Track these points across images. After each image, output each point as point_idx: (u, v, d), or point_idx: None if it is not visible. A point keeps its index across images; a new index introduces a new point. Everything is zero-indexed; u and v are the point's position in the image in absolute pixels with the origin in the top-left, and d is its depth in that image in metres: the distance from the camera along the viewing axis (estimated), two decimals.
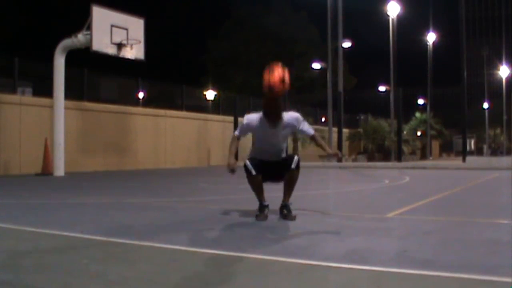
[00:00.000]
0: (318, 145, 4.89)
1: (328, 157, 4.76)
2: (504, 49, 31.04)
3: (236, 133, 4.80)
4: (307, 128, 4.77)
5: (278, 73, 4.31)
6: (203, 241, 3.58)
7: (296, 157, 4.63)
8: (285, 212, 4.60)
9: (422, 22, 37.38)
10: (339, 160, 4.63)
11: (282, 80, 4.32)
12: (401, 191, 8.85)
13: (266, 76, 4.33)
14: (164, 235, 3.90)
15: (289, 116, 4.66)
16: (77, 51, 13.74)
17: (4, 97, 14.44)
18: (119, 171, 16.26)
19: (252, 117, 4.67)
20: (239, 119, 23.89)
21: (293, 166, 4.57)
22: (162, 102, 22.28)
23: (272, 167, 4.64)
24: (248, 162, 4.57)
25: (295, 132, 4.89)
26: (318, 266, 2.80)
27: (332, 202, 6.59)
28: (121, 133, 17.95)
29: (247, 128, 4.71)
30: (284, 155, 4.76)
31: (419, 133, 36.35)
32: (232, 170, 4.59)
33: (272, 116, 4.52)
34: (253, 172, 4.54)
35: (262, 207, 4.61)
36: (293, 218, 4.53)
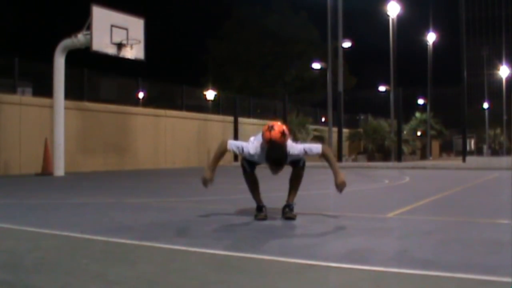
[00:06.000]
0: (328, 162, 4.51)
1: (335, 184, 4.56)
2: (504, 49, 31.00)
3: (230, 147, 4.54)
4: (314, 148, 4.50)
5: (278, 128, 4.31)
6: (203, 241, 3.58)
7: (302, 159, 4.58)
8: (287, 210, 4.57)
9: (422, 22, 37.43)
10: (339, 190, 4.42)
11: (283, 134, 4.30)
12: (401, 191, 8.84)
13: (267, 133, 4.31)
14: (164, 235, 3.90)
15: (294, 148, 4.44)
16: (77, 51, 13.74)
17: (4, 97, 14.44)
18: (119, 171, 16.25)
19: (257, 149, 4.43)
20: (239, 119, 23.96)
21: (300, 163, 4.57)
22: (162, 102, 22.27)
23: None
24: (244, 162, 4.60)
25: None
26: (318, 266, 2.80)
27: (332, 202, 6.57)
28: (121, 133, 17.95)
29: (249, 156, 4.49)
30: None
31: (419, 133, 36.34)
32: (205, 184, 4.54)
33: (275, 158, 4.28)
34: (248, 170, 4.58)
35: (260, 207, 4.59)
36: (293, 217, 4.50)
